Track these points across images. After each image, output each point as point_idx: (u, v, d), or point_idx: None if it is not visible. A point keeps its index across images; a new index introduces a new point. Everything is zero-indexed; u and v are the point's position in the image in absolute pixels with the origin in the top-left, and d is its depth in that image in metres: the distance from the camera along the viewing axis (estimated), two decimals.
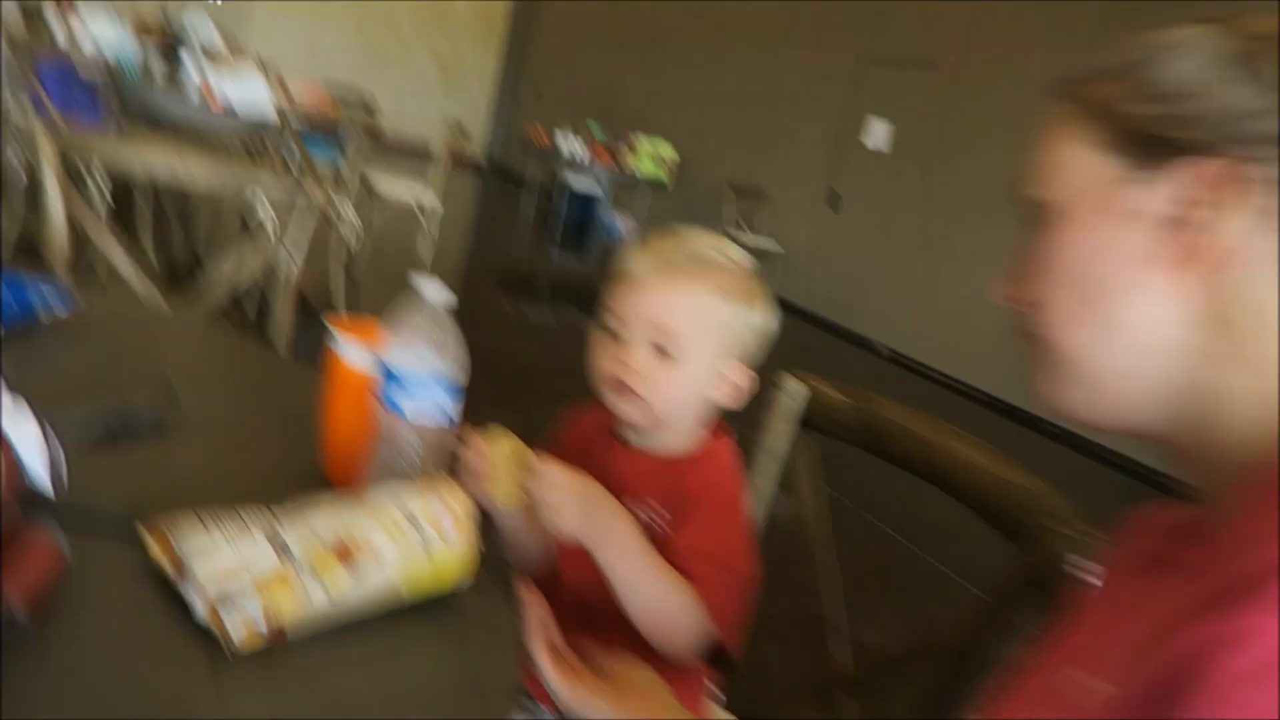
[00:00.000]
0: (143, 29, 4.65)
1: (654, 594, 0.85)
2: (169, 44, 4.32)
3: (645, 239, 0.96)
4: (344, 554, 0.66)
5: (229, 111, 4.13)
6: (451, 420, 0.82)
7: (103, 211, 3.41)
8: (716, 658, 0.90)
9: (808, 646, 1.08)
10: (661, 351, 0.91)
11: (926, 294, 6.71)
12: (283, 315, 1.68)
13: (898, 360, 6.73)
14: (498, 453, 0.84)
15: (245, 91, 4.19)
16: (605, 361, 0.93)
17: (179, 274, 4.59)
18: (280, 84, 4.61)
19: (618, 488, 0.91)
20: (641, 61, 10.85)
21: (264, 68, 4.50)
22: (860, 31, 7.71)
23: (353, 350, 0.86)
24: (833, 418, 1.17)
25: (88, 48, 4.30)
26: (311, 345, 1.03)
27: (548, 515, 0.83)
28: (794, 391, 1.20)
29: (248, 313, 3.99)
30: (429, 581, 0.71)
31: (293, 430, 0.97)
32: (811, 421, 1.21)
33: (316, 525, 0.67)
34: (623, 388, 0.92)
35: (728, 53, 9.34)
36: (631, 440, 0.98)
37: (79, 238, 1.57)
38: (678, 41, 10.22)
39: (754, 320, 0.95)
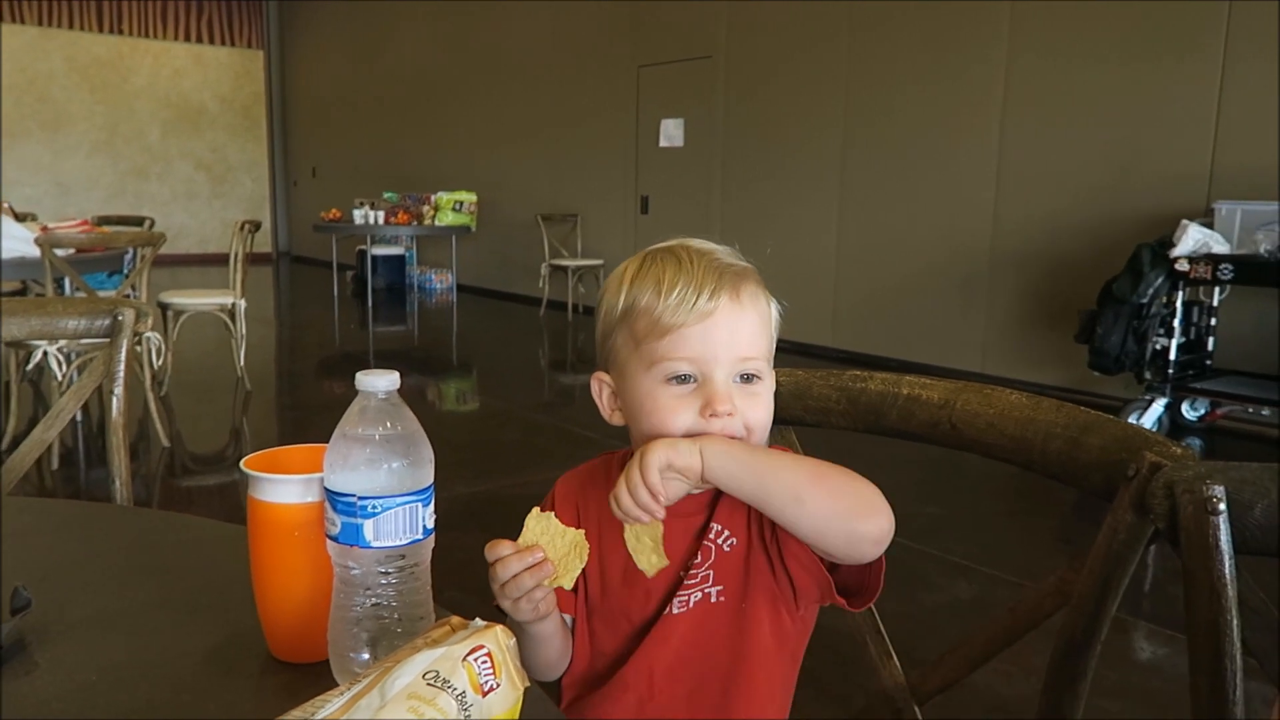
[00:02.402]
0: None
1: (790, 462, 0.77)
2: None
3: (662, 269, 0.80)
4: None
5: None
6: (429, 530, 0.63)
7: None
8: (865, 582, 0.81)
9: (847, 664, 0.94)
10: (745, 380, 0.80)
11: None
12: (120, 461, 1.41)
13: None
14: (549, 539, 0.71)
15: None
16: (687, 418, 0.78)
17: None
18: (38, 225, 4.21)
19: (668, 532, 0.79)
20: (420, 125, 10.60)
21: (14, 214, 4.08)
22: (631, 39, 7.78)
23: (281, 486, 0.64)
24: (812, 405, 1.04)
25: None
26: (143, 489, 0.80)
27: (653, 486, 0.72)
28: None
29: (44, 468, 3.56)
30: None
31: (207, 606, 0.73)
32: (784, 414, 1.07)
33: None
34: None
35: (505, 90, 9.23)
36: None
37: None
38: (451, 96, 10.03)
39: (776, 317, 0.86)
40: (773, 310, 0.86)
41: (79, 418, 4.21)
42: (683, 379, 0.79)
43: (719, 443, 0.75)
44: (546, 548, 0.72)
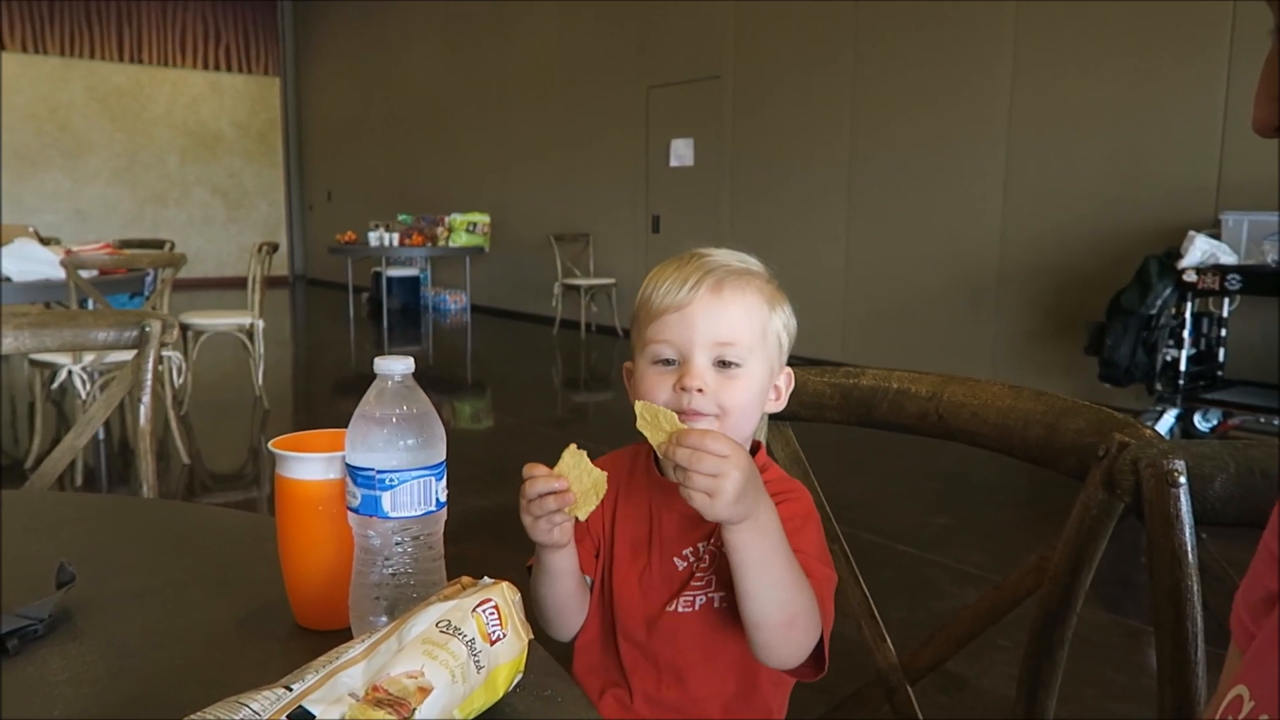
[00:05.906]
0: None
1: (787, 587, 0.79)
2: None
3: (665, 269, 0.91)
4: (385, 701, 0.51)
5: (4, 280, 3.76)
6: (441, 503, 0.68)
7: None
8: (811, 663, 0.86)
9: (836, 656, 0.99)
10: (724, 365, 0.87)
11: None
12: (148, 466, 1.48)
13: None
14: (576, 474, 0.77)
15: (21, 259, 3.85)
16: (664, 392, 0.86)
17: None
18: (62, 248, 4.33)
19: (678, 521, 0.88)
20: (433, 147, 10.73)
21: (40, 238, 4.19)
22: (640, 60, 7.88)
23: (307, 464, 0.70)
24: (805, 400, 1.09)
25: None
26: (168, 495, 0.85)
27: (701, 487, 0.73)
28: None
29: (66, 486, 3.63)
30: (484, 695, 0.56)
31: (235, 582, 0.79)
32: (781, 411, 1.12)
33: (344, 681, 0.52)
34: (691, 414, 0.85)
35: (517, 112, 9.35)
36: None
37: None
38: (463, 119, 10.16)
39: (789, 322, 0.94)
40: (776, 313, 0.92)
41: (101, 436, 4.29)
42: (667, 361, 0.87)
43: (771, 517, 0.78)
44: (573, 480, 0.79)
